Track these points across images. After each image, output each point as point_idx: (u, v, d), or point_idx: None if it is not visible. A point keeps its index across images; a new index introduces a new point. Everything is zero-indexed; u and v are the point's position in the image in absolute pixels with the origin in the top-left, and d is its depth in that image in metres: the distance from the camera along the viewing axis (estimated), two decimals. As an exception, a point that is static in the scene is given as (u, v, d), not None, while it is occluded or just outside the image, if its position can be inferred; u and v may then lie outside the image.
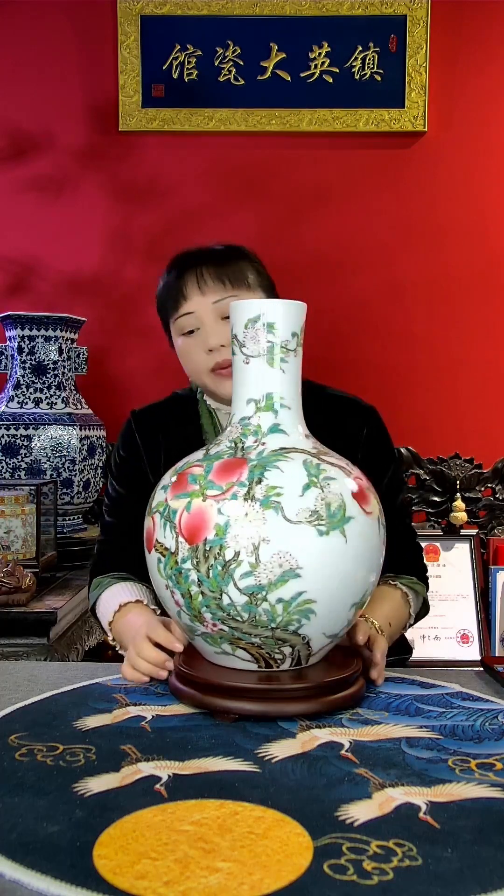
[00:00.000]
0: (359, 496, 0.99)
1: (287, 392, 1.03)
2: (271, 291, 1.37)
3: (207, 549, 0.95)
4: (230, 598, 0.95)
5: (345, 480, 0.99)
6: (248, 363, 1.03)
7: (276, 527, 0.94)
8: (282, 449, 0.99)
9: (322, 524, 0.95)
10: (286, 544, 0.93)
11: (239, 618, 0.96)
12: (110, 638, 1.26)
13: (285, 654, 0.99)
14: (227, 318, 1.26)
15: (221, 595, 0.95)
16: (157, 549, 1.01)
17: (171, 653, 1.10)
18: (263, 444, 1.00)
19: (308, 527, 0.94)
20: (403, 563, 1.36)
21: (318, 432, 1.11)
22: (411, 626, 1.38)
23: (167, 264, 1.38)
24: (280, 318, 1.01)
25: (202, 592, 0.96)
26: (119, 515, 1.39)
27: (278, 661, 1.00)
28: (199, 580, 0.96)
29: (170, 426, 1.40)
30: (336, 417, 1.34)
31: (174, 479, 1.02)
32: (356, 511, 0.98)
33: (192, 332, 1.31)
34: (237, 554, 0.94)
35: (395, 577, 1.33)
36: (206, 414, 1.41)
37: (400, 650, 1.45)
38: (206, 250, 1.36)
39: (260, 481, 0.96)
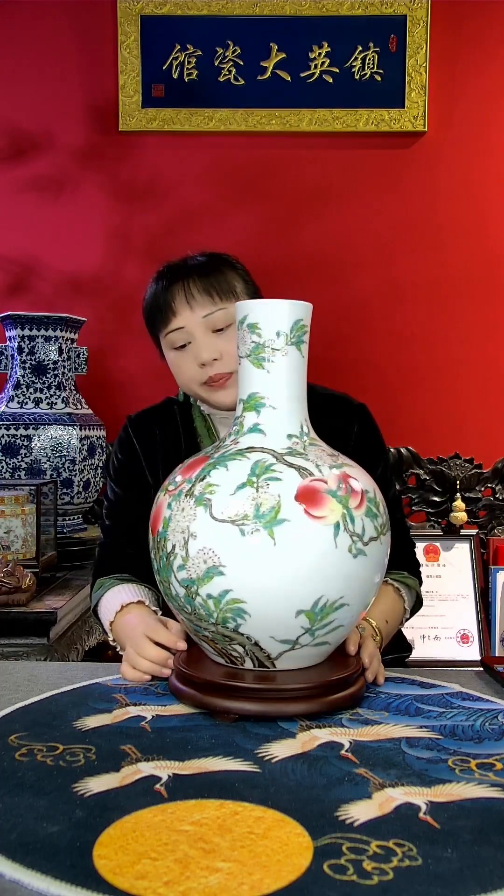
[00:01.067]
0: (305, 499, 0.95)
1: (273, 392, 1.02)
2: (258, 297, 1.36)
3: (158, 540, 1.01)
4: (174, 589, 0.99)
5: (295, 482, 0.96)
6: (240, 364, 1.05)
7: (202, 524, 0.96)
8: (248, 448, 1.00)
9: (247, 524, 0.94)
10: (210, 541, 0.95)
11: (186, 609, 0.99)
12: (111, 638, 1.26)
13: (240, 653, 1.00)
14: (218, 330, 1.29)
15: (169, 585, 1.00)
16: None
17: (172, 652, 1.10)
18: (237, 443, 1.01)
19: (231, 526, 0.94)
20: (394, 558, 1.34)
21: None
22: (407, 619, 1.38)
23: (152, 278, 1.37)
24: (261, 317, 1.01)
25: (161, 581, 1.02)
26: (120, 517, 1.40)
27: (237, 659, 1.01)
28: (157, 569, 1.02)
29: (165, 430, 1.41)
30: (326, 416, 1.31)
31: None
32: (294, 514, 0.94)
33: (183, 346, 1.31)
34: (174, 547, 0.98)
35: (385, 573, 1.32)
36: (199, 418, 1.41)
37: (399, 648, 1.45)
38: (191, 263, 1.34)
39: (203, 479, 0.98)
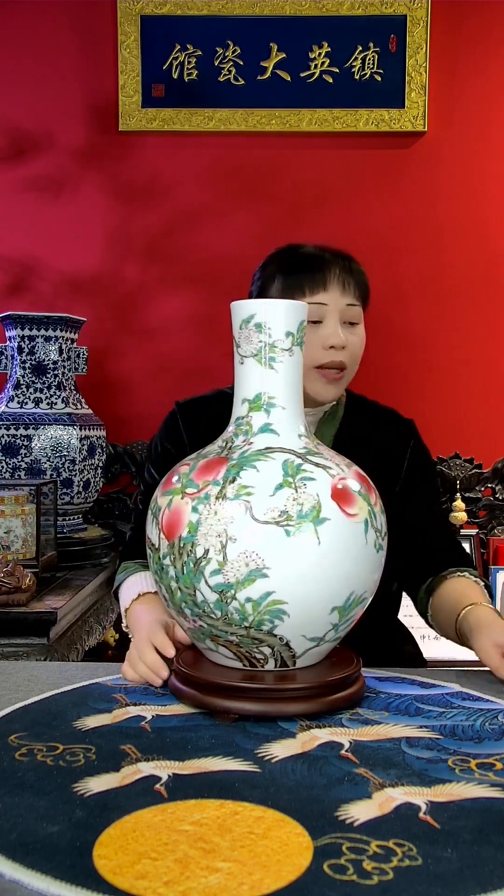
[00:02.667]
0: (339, 497, 0.97)
1: (281, 392, 1.02)
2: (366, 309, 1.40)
3: (181, 545, 0.97)
4: (203, 595, 0.96)
5: (326, 481, 0.97)
6: (243, 363, 1.04)
7: (243, 526, 0.94)
8: (267, 448, 0.99)
9: (291, 524, 0.94)
10: (253, 544, 0.93)
11: (213, 615, 0.97)
12: (124, 624, 1.26)
13: (266, 655, 0.99)
14: (347, 324, 1.32)
15: (195, 592, 0.97)
16: (148, 545, 1.04)
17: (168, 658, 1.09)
18: (251, 443, 1.00)
19: (276, 527, 0.94)
20: (459, 559, 1.38)
21: (362, 443, 1.25)
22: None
23: (289, 249, 1.38)
24: (271, 318, 1.01)
25: (179, 589, 0.98)
26: None
27: (260, 661, 1.00)
28: (176, 576, 0.98)
29: (213, 420, 1.38)
30: (380, 430, 1.40)
31: (168, 477, 1.04)
32: (333, 512, 0.96)
33: (313, 321, 1.29)
34: (206, 552, 0.95)
35: (463, 570, 1.35)
36: None
37: (415, 663, 1.45)
38: (345, 255, 1.37)
39: (234, 480, 0.96)
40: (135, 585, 1.28)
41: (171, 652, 1.08)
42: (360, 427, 1.27)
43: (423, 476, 1.42)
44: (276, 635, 0.97)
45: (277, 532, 0.94)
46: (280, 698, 0.98)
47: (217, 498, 0.96)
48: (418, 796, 0.78)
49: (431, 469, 1.47)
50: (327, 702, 0.99)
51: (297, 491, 0.95)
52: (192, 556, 0.96)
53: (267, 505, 0.94)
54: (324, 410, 1.40)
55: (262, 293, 1.37)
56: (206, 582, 0.95)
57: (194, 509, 0.97)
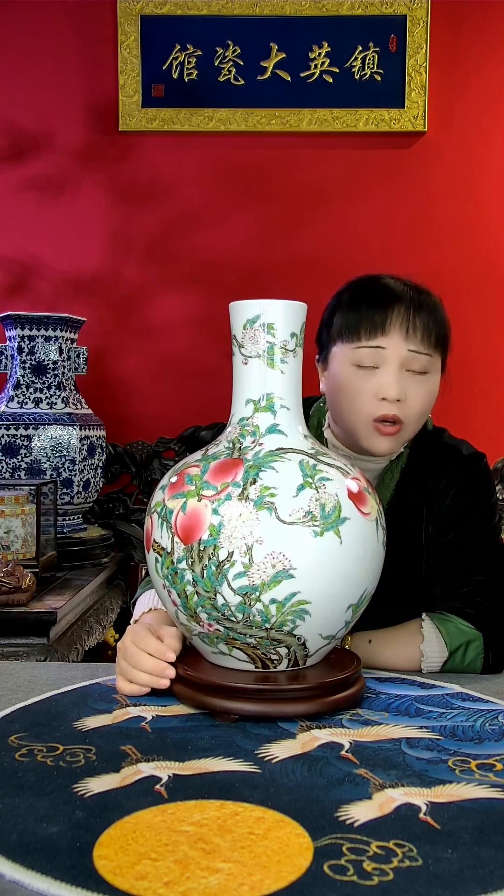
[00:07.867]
0: (355, 497, 0.98)
1: (286, 393, 1.03)
2: (446, 355, 1.26)
3: (202, 549, 0.95)
4: (224, 598, 0.95)
5: (341, 481, 0.98)
6: (246, 364, 1.03)
7: (269, 527, 0.93)
8: (279, 449, 0.99)
9: (316, 525, 0.94)
10: (280, 545, 0.93)
11: (233, 618, 0.96)
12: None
13: (281, 655, 0.99)
14: (411, 372, 1.21)
15: (216, 595, 0.95)
16: (154, 549, 1.01)
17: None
18: (261, 444, 1.00)
19: (302, 527, 0.94)
20: (472, 612, 1.22)
21: (423, 493, 1.25)
22: (433, 670, 1.19)
23: (360, 281, 1.27)
24: (279, 318, 1.01)
25: (197, 592, 0.96)
26: None
27: (275, 662, 1.00)
28: (193, 580, 0.96)
29: None
30: (436, 472, 1.30)
31: (173, 479, 1.02)
32: (352, 512, 0.97)
33: (368, 367, 1.20)
34: (230, 554, 0.94)
35: (443, 614, 1.22)
36: (315, 427, 1.33)
37: None
38: (420, 293, 1.25)
39: (254, 482, 0.96)
40: (148, 600, 1.24)
41: (171, 656, 1.04)
42: (423, 475, 1.22)
43: (464, 518, 1.28)
44: (295, 635, 0.97)
45: (304, 532, 0.94)
46: (280, 699, 0.98)
47: (240, 500, 0.95)
48: (418, 797, 0.78)
49: (477, 513, 1.30)
50: (328, 702, 0.98)
51: (318, 491, 0.96)
52: (215, 559, 0.94)
53: (291, 506, 0.94)
54: (388, 460, 1.30)
55: (328, 325, 1.28)
56: (229, 584, 0.94)
57: (215, 511, 0.95)
